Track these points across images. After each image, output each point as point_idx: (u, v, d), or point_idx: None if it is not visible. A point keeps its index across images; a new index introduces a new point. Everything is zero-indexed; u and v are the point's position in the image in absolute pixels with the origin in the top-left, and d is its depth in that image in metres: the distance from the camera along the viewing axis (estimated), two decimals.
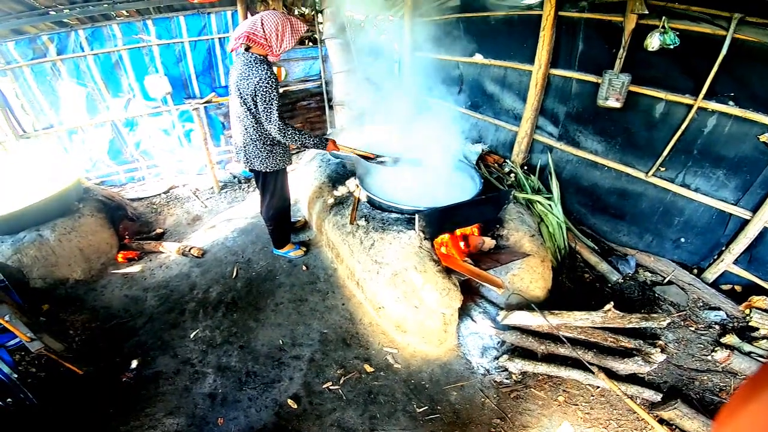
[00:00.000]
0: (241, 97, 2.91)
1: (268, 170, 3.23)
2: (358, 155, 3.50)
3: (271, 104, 2.83)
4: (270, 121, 2.90)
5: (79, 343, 3.09)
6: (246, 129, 3.06)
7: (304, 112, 6.45)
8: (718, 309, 3.20)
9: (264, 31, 2.79)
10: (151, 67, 5.26)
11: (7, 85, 4.76)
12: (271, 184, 3.37)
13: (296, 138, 3.01)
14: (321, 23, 5.85)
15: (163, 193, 5.48)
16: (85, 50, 4.91)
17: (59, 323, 3.25)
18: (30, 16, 4.42)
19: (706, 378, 2.74)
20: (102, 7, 4.64)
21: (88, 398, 2.64)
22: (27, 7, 4.33)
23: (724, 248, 3.25)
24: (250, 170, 3.30)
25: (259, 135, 3.07)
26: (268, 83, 2.78)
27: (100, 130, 5.37)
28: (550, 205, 3.90)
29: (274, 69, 2.93)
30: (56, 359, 2.66)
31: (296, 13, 5.96)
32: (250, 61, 2.81)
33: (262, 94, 2.80)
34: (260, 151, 3.13)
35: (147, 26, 5.04)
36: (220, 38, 5.44)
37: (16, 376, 2.45)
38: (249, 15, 5.18)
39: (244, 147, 3.15)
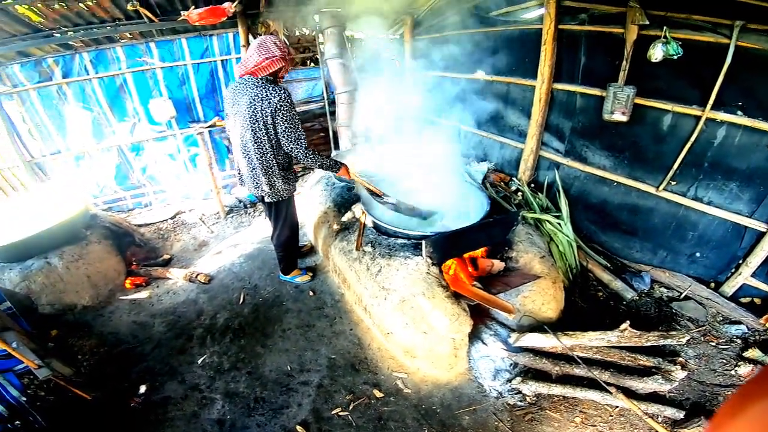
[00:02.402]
0: (255, 122, 2.82)
1: (282, 198, 3.19)
2: (366, 188, 3.45)
3: (294, 123, 2.83)
4: (294, 141, 2.86)
5: (87, 368, 3.09)
6: (264, 155, 2.97)
7: (307, 134, 6.44)
8: (739, 323, 3.12)
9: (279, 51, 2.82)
10: (155, 90, 5.31)
11: (13, 109, 4.82)
12: (283, 211, 3.35)
13: (316, 160, 2.99)
14: (322, 43, 5.91)
15: (170, 218, 5.49)
16: (90, 73, 4.96)
17: (68, 348, 3.25)
18: (35, 38, 4.48)
19: (730, 393, 2.65)
20: (105, 29, 4.70)
21: (97, 422, 2.64)
22: (32, 29, 4.40)
23: (741, 261, 3.17)
24: (262, 201, 3.26)
25: (274, 162, 3.01)
26: (290, 103, 2.80)
27: (107, 155, 5.42)
28: (559, 224, 3.85)
29: None
30: (65, 384, 2.65)
31: (296, 33, 6.03)
32: (263, 83, 2.79)
33: (283, 114, 2.78)
34: (276, 179, 3.07)
35: (150, 49, 5.10)
36: (222, 60, 5.49)
37: (24, 399, 2.47)
38: (251, 37, 5.23)
39: (253, 176, 3.07)
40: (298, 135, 2.86)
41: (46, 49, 4.74)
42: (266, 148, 2.93)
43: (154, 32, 5.03)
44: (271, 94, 2.75)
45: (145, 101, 5.26)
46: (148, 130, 5.48)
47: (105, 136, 5.33)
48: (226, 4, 4.47)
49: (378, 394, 2.76)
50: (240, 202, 5.71)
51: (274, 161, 3.00)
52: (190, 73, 5.39)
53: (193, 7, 4.42)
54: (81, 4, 4.18)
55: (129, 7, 4.30)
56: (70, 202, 4.16)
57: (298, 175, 3.42)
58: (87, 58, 4.88)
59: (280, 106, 2.76)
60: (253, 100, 2.78)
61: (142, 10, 4.38)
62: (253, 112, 2.80)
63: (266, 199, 3.17)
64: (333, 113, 6.28)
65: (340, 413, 2.64)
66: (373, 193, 3.44)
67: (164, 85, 5.32)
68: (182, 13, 4.43)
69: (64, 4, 4.08)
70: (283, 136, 2.86)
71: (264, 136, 2.88)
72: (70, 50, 4.80)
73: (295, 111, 2.83)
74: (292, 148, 2.89)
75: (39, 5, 4.02)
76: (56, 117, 5.03)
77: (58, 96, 4.94)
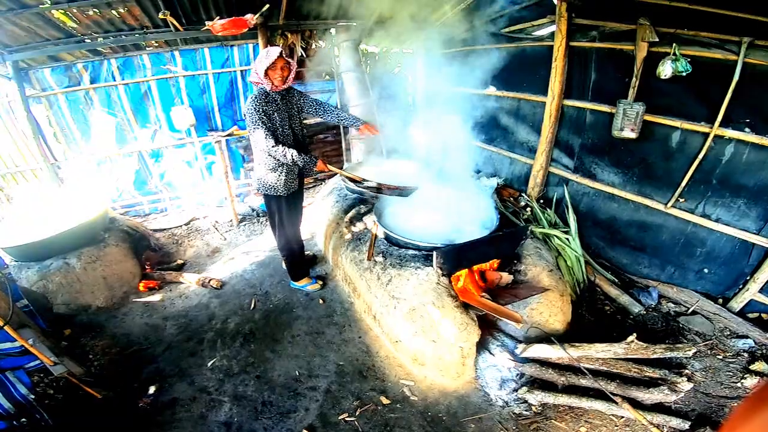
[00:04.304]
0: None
1: (260, 191, 3.43)
2: (346, 177, 3.51)
3: (256, 124, 3.04)
4: (259, 141, 3.07)
5: (98, 367, 3.14)
6: (253, 152, 3.39)
7: (320, 146, 6.58)
8: (746, 337, 3.12)
9: (255, 65, 3.05)
10: (177, 98, 5.46)
11: (41, 113, 4.98)
12: (272, 209, 3.53)
13: (287, 156, 3.09)
14: (337, 57, 6.04)
15: (184, 224, 5.60)
16: (117, 80, 5.14)
17: (80, 348, 3.31)
18: (67, 43, 4.67)
19: (736, 405, 2.64)
20: (134, 36, 4.88)
21: (105, 422, 2.67)
22: (64, 34, 4.59)
23: (748, 277, 3.18)
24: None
25: (256, 158, 3.32)
26: (251, 106, 3.03)
27: (128, 161, 5.56)
28: (567, 239, 3.87)
29: (279, 95, 3.14)
30: (76, 383, 2.70)
31: (313, 46, 6.16)
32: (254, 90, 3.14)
33: (249, 117, 3.07)
34: (258, 174, 3.37)
35: (174, 57, 5.26)
36: (242, 70, 5.63)
37: (33, 397, 2.51)
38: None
39: (253, 168, 3.45)
40: (263, 137, 3.05)
41: (76, 55, 4.94)
42: (252, 146, 3.29)
43: (179, 41, 5.19)
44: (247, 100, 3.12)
45: (167, 108, 5.41)
46: (168, 137, 5.62)
47: (127, 142, 5.48)
48: (248, 16, 4.62)
49: (385, 400, 2.78)
50: (253, 210, 5.79)
51: (255, 158, 3.34)
52: (210, 82, 5.54)
53: (217, 17, 4.57)
54: (113, 11, 4.36)
55: (160, 15, 4.47)
56: (90, 205, 4.28)
57: (292, 184, 3.46)
58: (114, 64, 5.06)
59: (247, 109, 3.07)
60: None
61: (170, 19, 4.54)
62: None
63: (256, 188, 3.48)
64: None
65: (347, 419, 2.65)
66: (353, 181, 3.48)
67: (186, 93, 5.47)
68: (206, 23, 4.58)
69: (97, 11, 4.27)
70: (254, 136, 3.12)
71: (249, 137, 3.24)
72: (99, 56, 4.98)
73: (255, 114, 3.04)
74: (262, 148, 3.12)
75: (74, 10, 4.21)
76: (81, 121, 5.20)
77: (85, 101, 5.11)
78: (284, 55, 3.00)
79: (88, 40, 4.72)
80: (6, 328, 2.35)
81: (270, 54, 2.95)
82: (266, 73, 2.99)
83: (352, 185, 3.61)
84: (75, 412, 2.67)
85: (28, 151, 5.11)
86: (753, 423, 0.46)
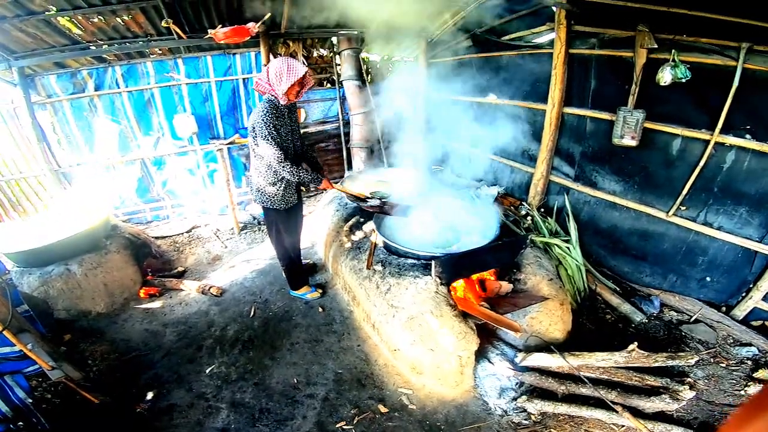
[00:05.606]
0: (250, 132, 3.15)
1: (261, 205, 3.41)
2: (350, 195, 3.56)
3: (266, 138, 2.97)
4: (269, 155, 3.03)
5: (97, 373, 3.13)
6: (252, 163, 3.33)
7: (322, 154, 6.59)
8: (750, 345, 3.09)
9: (268, 77, 2.97)
10: (179, 105, 5.50)
11: (46, 119, 5.03)
12: (271, 220, 3.51)
13: (294, 173, 3.09)
14: (339, 65, 6.08)
15: (186, 232, 5.62)
16: (121, 87, 5.19)
17: (79, 353, 3.31)
18: (72, 50, 4.72)
19: (734, 410, 2.62)
20: (138, 44, 4.93)
21: (102, 426, 2.67)
22: (70, 41, 4.64)
23: (751, 285, 3.15)
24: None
25: (256, 170, 3.27)
26: (262, 119, 2.95)
27: (130, 168, 5.59)
28: (568, 248, 3.85)
29: (287, 109, 3.13)
30: (74, 387, 2.70)
31: (315, 55, 6.20)
32: (261, 102, 3.06)
33: (259, 129, 2.96)
34: (257, 185, 3.33)
35: (177, 65, 5.32)
36: (244, 79, 5.68)
37: (30, 401, 2.50)
38: (272, 56, 5.42)
39: (251, 178, 3.41)
40: (273, 151, 3.00)
41: (81, 61, 4.99)
42: (252, 156, 3.25)
43: (182, 49, 5.24)
44: (256, 110, 3.04)
45: (170, 116, 5.45)
46: (171, 144, 5.65)
47: (130, 149, 5.52)
48: (250, 24, 4.65)
49: (383, 409, 2.76)
50: (254, 218, 5.80)
51: (255, 169, 3.29)
52: (213, 90, 5.58)
53: (220, 26, 4.61)
54: (118, 19, 4.42)
55: (163, 24, 4.51)
56: (92, 212, 4.30)
57: (291, 197, 3.45)
58: (119, 71, 5.11)
59: (257, 121, 2.97)
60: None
61: (173, 27, 4.57)
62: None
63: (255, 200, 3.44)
64: (347, 134, 6.41)
65: (345, 427, 2.64)
66: (357, 198, 3.51)
67: (188, 101, 5.51)
68: (209, 31, 4.62)
69: (102, 18, 4.33)
70: (261, 149, 3.05)
71: (251, 146, 3.19)
72: (104, 63, 5.04)
73: (267, 127, 2.95)
74: (270, 162, 3.08)
75: (79, 18, 4.26)
76: (85, 128, 5.25)
77: (89, 108, 5.16)
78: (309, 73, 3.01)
79: (93, 47, 4.77)
80: (5, 332, 2.36)
81: (297, 71, 2.89)
82: (288, 88, 2.95)
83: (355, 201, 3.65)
84: (72, 416, 2.66)
85: (32, 158, 5.15)
86: (753, 427, 0.46)
